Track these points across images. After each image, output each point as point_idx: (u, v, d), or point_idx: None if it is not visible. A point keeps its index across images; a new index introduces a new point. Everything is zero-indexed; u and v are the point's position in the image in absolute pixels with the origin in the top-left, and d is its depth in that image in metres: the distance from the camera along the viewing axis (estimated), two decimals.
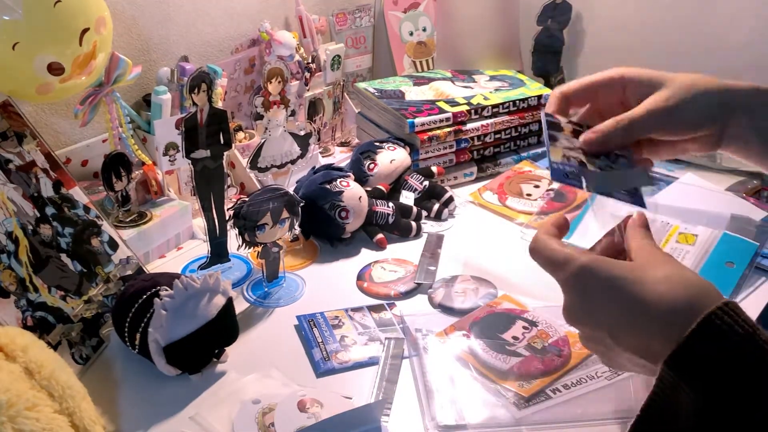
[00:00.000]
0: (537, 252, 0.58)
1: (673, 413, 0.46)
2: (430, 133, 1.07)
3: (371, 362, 0.73)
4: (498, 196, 1.06)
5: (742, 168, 1.08)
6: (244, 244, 0.79)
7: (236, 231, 0.79)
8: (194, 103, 0.78)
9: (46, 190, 0.78)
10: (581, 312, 0.55)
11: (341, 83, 1.24)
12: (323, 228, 0.93)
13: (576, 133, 0.61)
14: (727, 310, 0.45)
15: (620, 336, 0.51)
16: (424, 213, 1.00)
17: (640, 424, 0.48)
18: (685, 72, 0.62)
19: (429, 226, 0.99)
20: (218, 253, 0.87)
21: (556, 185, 1.06)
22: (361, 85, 1.21)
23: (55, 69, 0.77)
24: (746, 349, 0.44)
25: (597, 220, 0.95)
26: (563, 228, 0.60)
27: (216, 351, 0.72)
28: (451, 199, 1.02)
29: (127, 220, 0.91)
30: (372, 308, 0.81)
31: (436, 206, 1.01)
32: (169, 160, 0.91)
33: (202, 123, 0.80)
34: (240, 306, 0.81)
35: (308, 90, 1.17)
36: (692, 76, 0.61)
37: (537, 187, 1.07)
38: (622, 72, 0.64)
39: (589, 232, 0.75)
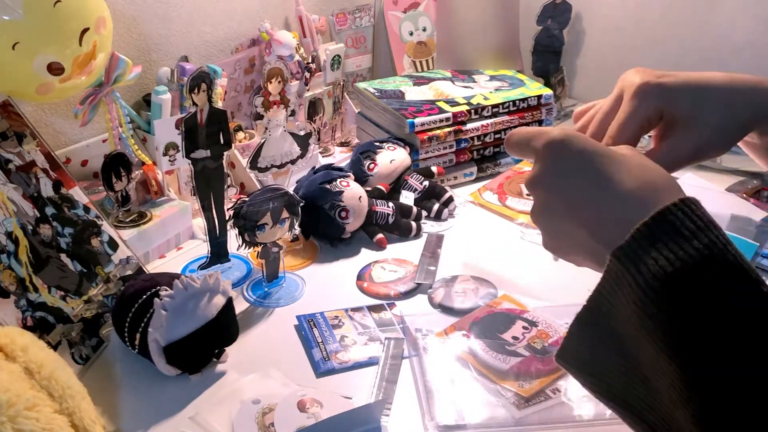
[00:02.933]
0: (514, 134, 0.57)
1: (616, 304, 0.44)
2: (430, 133, 1.07)
3: (371, 362, 0.73)
4: (498, 196, 1.06)
5: (742, 168, 1.08)
6: (244, 244, 0.79)
7: (236, 231, 0.79)
8: (194, 103, 0.78)
9: (46, 190, 0.78)
10: (548, 178, 0.53)
11: (341, 83, 1.24)
12: (323, 228, 0.93)
13: None
14: (683, 207, 0.44)
15: (578, 208, 0.50)
16: (424, 213, 1.00)
17: (584, 313, 0.46)
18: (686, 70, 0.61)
19: (429, 226, 0.99)
20: (218, 253, 0.87)
21: None
22: (361, 85, 1.21)
23: (55, 69, 0.77)
24: (695, 247, 0.42)
25: None
26: None
27: (216, 351, 0.72)
28: (451, 199, 1.02)
29: (127, 220, 0.91)
30: (372, 308, 0.81)
31: (436, 206, 1.01)
32: (169, 160, 0.91)
33: (202, 123, 0.80)
34: (240, 306, 0.81)
35: (308, 90, 1.17)
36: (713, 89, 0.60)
37: None
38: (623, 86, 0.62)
39: None
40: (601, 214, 0.48)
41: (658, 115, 0.60)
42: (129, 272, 0.81)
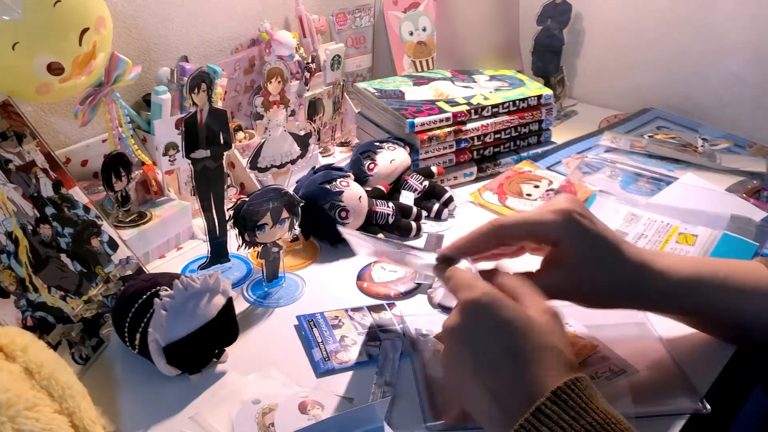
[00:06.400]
0: (452, 276, 0.62)
1: None
2: (429, 133, 1.07)
3: (371, 362, 0.73)
4: (498, 196, 1.06)
5: (742, 168, 1.08)
6: (244, 244, 0.79)
7: (236, 231, 0.79)
8: (194, 103, 0.78)
9: (46, 190, 0.78)
10: (463, 334, 0.57)
11: (341, 83, 1.24)
12: (323, 228, 0.93)
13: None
14: (567, 389, 0.50)
15: (487, 374, 0.55)
16: (424, 213, 1.00)
17: None
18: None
19: (429, 227, 0.99)
20: (218, 253, 0.87)
21: (556, 185, 1.06)
22: (361, 85, 1.21)
23: (55, 69, 0.77)
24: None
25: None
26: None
27: (216, 351, 0.72)
28: (451, 199, 1.02)
29: (127, 220, 0.91)
30: (372, 308, 0.81)
31: (436, 206, 1.01)
32: (169, 160, 0.91)
33: (202, 123, 0.80)
34: (240, 306, 0.81)
35: (308, 90, 1.17)
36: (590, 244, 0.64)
37: (537, 187, 1.07)
38: (497, 221, 0.67)
39: None
40: (510, 388, 0.53)
41: (495, 233, 0.65)
42: (129, 272, 0.81)
